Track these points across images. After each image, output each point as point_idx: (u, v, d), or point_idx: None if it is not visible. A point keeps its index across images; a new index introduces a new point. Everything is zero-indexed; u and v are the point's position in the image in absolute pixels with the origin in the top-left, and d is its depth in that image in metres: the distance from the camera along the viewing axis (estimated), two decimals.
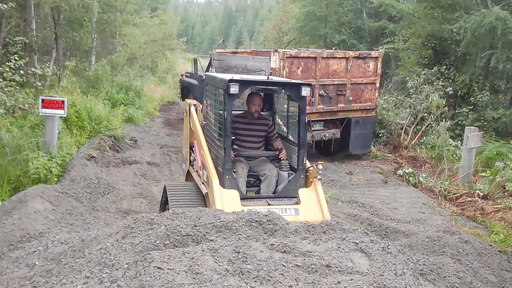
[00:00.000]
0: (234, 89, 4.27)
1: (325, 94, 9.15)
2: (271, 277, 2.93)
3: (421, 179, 8.41)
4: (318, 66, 8.93)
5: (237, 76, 4.51)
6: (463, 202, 7.25)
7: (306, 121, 4.72)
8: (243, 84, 4.38)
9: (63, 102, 7.24)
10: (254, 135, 5.04)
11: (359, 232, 3.76)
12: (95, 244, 3.60)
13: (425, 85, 11.45)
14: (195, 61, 12.76)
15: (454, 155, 9.22)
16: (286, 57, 8.52)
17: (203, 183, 4.92)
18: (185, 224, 3.52)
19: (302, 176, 4.62)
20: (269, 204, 4.43)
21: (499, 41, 9.73)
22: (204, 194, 4.85)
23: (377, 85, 10.01)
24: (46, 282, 3.34)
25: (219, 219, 3.59)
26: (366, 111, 9.94)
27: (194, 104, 5.77)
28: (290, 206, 4.44)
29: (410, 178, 8.49)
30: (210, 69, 10.71)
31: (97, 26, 15.91)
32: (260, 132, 5.08)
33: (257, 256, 3.13)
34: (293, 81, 4.83)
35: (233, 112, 4.62)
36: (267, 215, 3.72)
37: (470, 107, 11.01)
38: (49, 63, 11.61)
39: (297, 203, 4.53)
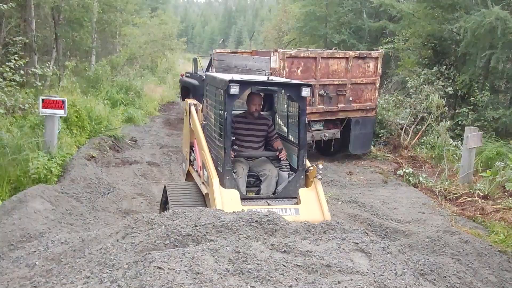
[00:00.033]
0: (234, 89, 4.27)
1: (325, 94, 9.15)
2: (272, 277, 2.93)
3: (421, 179, 8.41)
4: (318, 66, 8.93)
5: (237, 77, 4.51)
6: (463, 202, 7.25)
7: (306, 122, 4.72)
8: (243, 84, 4.38)
9: (63, 102, 7.24)
10: (254, 135, 5.04)
11: (359, 232, 3.76)
12: (95, 244, 3.60)
13: (425, 85, 11.45)
14: (195, 61, 12.75)
15: (454, 155, 9.22)
16: (286, 57, 8.52)
17: (203, 183, 4.92)
18: (185, 224, 3.52)
19: (302, 176, 4.62)
20: (269, 204, 4.43)
21: (499, 41, 9.72)
22: (204, 194, 4.84)
23: (377, 85, 10.01)
24: (46, 282, 3.34)
25: (219, 219, 3.59)
26: (366, 111, 9.94)
27: (194, 104, 5.77)
28: (290, 206, 4.45)
29: (410, 178, 8.49)
30: (210, 69, 10.71)
31: (97, 26, 15.90)
32: (260, 132, 5.08)
33: (257, 256, 3.13)
34: (293, 81, 4.83)
35: (233, 112, 4.61)
36: (267, 215, 3.72)
37: (470, 107, 11.01)
38: (49, 63, 11.59)
39: (297, 203, 4.53)
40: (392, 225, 6.05)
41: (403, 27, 13.79)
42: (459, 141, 9.52)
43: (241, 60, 9.32)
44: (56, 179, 6.84)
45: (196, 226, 3.50)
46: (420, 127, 10.94)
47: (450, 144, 9.59)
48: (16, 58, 8.50)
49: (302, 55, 8.90)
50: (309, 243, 3.44)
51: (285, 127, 5.35)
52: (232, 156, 4.57)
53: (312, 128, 9.26)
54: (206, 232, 3.45)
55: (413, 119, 11.11)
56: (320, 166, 4.53)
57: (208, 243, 3.32)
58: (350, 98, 9.52)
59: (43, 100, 7.15)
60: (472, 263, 4.47)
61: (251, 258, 3.10)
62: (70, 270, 3.35)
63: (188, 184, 5.45)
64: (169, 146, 10.43)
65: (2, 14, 9.89)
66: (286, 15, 27.14)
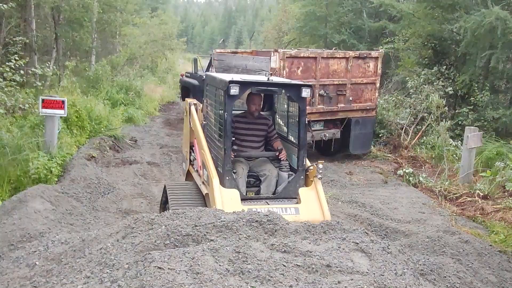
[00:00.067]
0: (234, 90, 4.27)
1: (325, 94, 9.15)
2: (272, 277, 2.93)
3: (421, 179, 8.41)
4: (318, 66, 8.93)
5: (237, 77, 4.50)
6: (463, 202, 7.25)
7: (306, 122, 4.72)
8: (243, 85, 4.37)
9: (63, 102, 7.24)
10: (254, 134, 5.04)
11: (359, 232, 3.76)
12: (96, 244, 3.60)
13: (425, 85, 11.46)
14: (195, 61, 12.76)
15: (454, 155, 9.22)
16: (286, 57, 8.52)
17: (203, 183, 4.92)
18: (185, 224, 3.52)
19: (302, 177, 4.62)
20: (268, 204, 4.43)
21: (499, 41, 9.73)
22: (204, 194, 4.84)
23: (377, 85, 10.01)
24: (46, 282, 3.34)
25: (219, 219, 3.59)
26: (366, 111, 9.94)
27: (194, 104, 5.77)
28: (290, 205, 4.45)
29: (410, 178, 8.49)
30: (210, 69, 10.71)
31: (97, 26, 15.90)
32: (260, 131, 5.08)
33: (257, 256, 3.13)
34: (293, 82, 4.83)
35: (233, 111, 4.61)
36: (267, 215, 3.72)
37: (470, 107, 11.01)
38: (49, 63, 11.59)
39: (297, 202, 4.53)
40: (392, 225, 6.05)
41: (403, 27, 13.79)
42: (459, 141, 9.52)
43: (241, 60, 9.32)
44: (56, 179, 6.84)
45: (196, 226, 3.50)
46: (420, 127, 10.94)
47: (450, 144, 9.59)
48: (16, 58, 8.50)
49: (302, 55, 8.90)
50: (309, 243, 3.44)
51: (285, 127, 5.35)
52: (232, 156, 4.57)
53: (312, 128, 9.26)
54: (206, 232, 3.45)
55: (413, 119, 11.11)
56: (320, 166, 4.53)
57: (208, 243, 3.32)
58: (350, 98, 9.52)
59: (43, 100, 7.15)
60: (472, 263, 4.47)
61: (251, 258, 3.10)
62: (70, 270, 3.35)
63: (188, 184, 5.45)
64: (169, 146, 10.44)
65: (2, 14, 9.89)
66: (286, 15, 27.14)
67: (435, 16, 12.11)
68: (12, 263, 3.84)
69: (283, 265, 3.07)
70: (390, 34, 15.75)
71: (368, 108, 9.91)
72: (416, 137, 10.65)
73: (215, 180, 4.41)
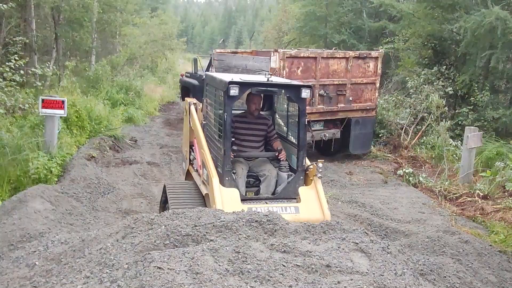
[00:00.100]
0: (234, 91, 4.27)
1: (325, 94, 9.15)
2: (271, 277, 2.93)
3: (421, 179, 8.41)
4: (318, 66, 8.93)
5: (237, 78, 4.50)
6: (463, 202, 7.25)
7: (306, 122, 4.72)
8: (243, 86, 4.37)
9: (63, 102, 7.24)
10: (254, 134, 5.04)
11: (359, 232, 3.76)
12: (95, 244, 3.60)
13: (425, 85, 11.45)
14: (195, 61, 12.76)
15: (454, 155, 9.22)
16: (286, 57, 8.52)
17: (203, 182, 4.92)
18: (185, 224, 3.52)
19: (302, 177, 4.63)
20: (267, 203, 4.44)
21: (499, 41, 9.72)
22: (204, 195, 4.84)
23: (377, 85, 10.01)
24: (46, 282, 3.35)
25: (219, 219, 3.59)
26: (366, 111, 9.94)
27: (194, 103, 5.77)
28: (290, 204, 4.45)
29: (410, 178, 8.49)
30: (210, 69, 10.71)
31: (97, 26, 15.90)
32: (259, 131, 5.08)
33: (257, 256, 3.13)
34: (293, 82, 4.83)
35: (232, 111, 4.61)
36: (267, 215, 3.72)
37: (470, 107, 11.01)
38: (49, 63, 11.59)
39: (297, 201, 4.53)
40: (392, 225, 6.05)
41: (403, 27, 13.79)
42: (459, 141, 9.52)
43: (241, 60, 9.34)
44: (56, 179, 6.84)
45: (196, 226, 3.50)
46: (420, 127, 10.94)
47: (450, 144, 9.59)
48: (16, 58, 8.49)
49: (302, 55, 8.90)
50: (309, 243, 3.44)
51: (285, 127, 5.35)
52: (232, 156, 4.57)
53: (312, 128, 9.26)
54: (206, 232, 3.45)
55: (413, 119, 11.11)
56: (320, 165, 4.53)
57: (208, 243, 3.32)
58: (350, 98, 9.52)
59: (43, 100, 7.15)
60: (472, 263, 4.47)
61: (251, 258, 3.10)
62: (70, 270, 3.35)
63: (187, 183, 5.45)
64: (169, 146, 10.44)
65: (2, 14, 9.88)
66: (286, 15, 27.14)
67: (435, 16, 12.11)
68: (12, 263, 3.84)
69: (282, 265, 3.07)
70: (390, 34, 15.75)
71: (368, 108, 9.91)
72: (416, 137, 10.65)
73: (215, 179, 4.41)
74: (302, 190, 4.57)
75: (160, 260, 2.96)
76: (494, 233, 6.00)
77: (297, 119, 4.72)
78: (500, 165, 7.80)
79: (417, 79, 11.89)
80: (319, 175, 4.56)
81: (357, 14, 17.48)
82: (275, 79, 4.72)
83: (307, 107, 5.04)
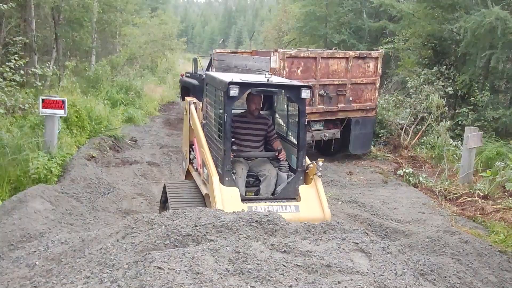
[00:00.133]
0: (234, 91, 4.26)
1: (325, 94, 9.15)
2: (272, 277, 2.93)
3: (421, 179, 8.41)
4: (318, 66, 8.93)
5: (237, 78, 4.50)
6: (463, 202, 7.25)
7: (306, 123, 4.72)
8: (243, 86, 4.37)
9: (63, 102, 7.24)
10: (253, 134, 5.03)
11: (359, 232, 3.76)
12: (95, 244, 3.60)
13: (425, 85, 11.46)
14: (195, 61, 12.76)
15: (454, 155, 9.22)
16: (286, 57, 8.52)
17: (203, 182, 4.92)
18: (185, 224, 3.52)
19: (301, 177, 4.63)
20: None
21: (499, 41, 9.73)
22: (204, 195, 4.84)
23: (377, 85, 10.01)
24: (46, 282, 3.34)
25: (219, 219, 3.59)
26: (366, 111, 9.94)
27: (194, 102, 5.76)
28: (290, 203, 4.45)
29: (410, 178, 8.49)
30: (210, 69, 10.71)
31: (97, 26, 15.90)
32: (259, 131, 5.08)
33: (257, 256, 3.13)
34: (293, 83, 4.82)
35: (232, 111, 4.61)
36: (267, 215, 3.72)
37: (470, 107, 11.01)
38: (49, 63, 11.59)
39: (297, 200, 4.53)
40: (392, 225, 6.05)
41: (403, 27, 13.79)
42: (459, 141, 9.52)
43: (241, 60, 9.34)
44: (56, 179, 6.84)
45: (196, 226, 3.50)
46: (420, 127, 10.94)
47: (450, 144, 9.59)
48: (16, 58, 8.49)
49: (302, 55, 8.90)
50: (309, 243, 3.44)
51: (285, 127, 5.35)
52: (232, 156, 4.57)
53: (312, 128, 9.26)
54: (206, 232, 3.45)
55: (413, 119, 11.11)
56: (320, 163, 4.53)
57: (208, 243, 3.32)
58: (350, 98, 9.52)
59: (43, 100, 7.15)
60: (472, 263, 4.47)
61: (251, 258, 3.10)
62: (70, 270, 3.35)
63: (187, 183, 5.45)
64: (169, 146, 10.44)
65: (2, 14, 9.88)
66: (286, 15, 27.14)
67: (435, 16, 12.11)
68: (12, 263, 3.84)
69: (283, 265, 3.06)
70: (390, 34, 15.75)
71: (368, 108, 9.91)
72: (416, 137, 10.65)
73: (215, 178, 4.42)
74: (302, 188, 4.57)
75: (161, 260, 2.96)
76: (494, 233, 6.00)
77: (297, 119, 4.72)
78: (500, 165, 7.80)
79: (417, 79, 11.89)
80: (319, 173, 4.56)
81: (357, 14, 17.49)
82: (275, 79, 4.72)
83: (307, 107, 5.04)
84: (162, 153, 9.82)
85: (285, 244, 3.34)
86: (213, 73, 5.66)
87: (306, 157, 4.74)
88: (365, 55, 9.68)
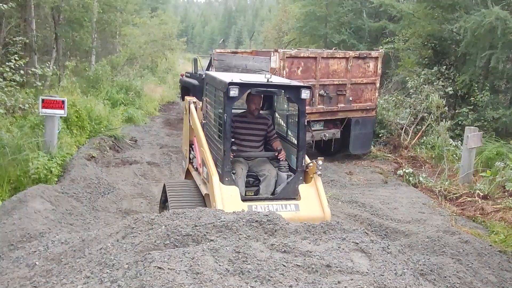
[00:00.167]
0: (234, 92, 4.26)
1: (325, 94, 9.15)
2: (272, 277, 2.93)
3: (421, 179, 8.41)
4: (318, 66, 8.93)
5: (237, 79, 4.50)
6: (463, 202, 7.25)
7: (306, 123, 4.72)
8: (243, 86, 4.37)
9: (63, 102, 7.24)
10: (253, 134, 5.04)
11: (359, 232, 3.76)
12: (95, 244, 3.60)
13: (425, 85, 11.46)
14: (195, 61, 12.77)
15: (454, 155, 9.22)
16: (286, 57, 8.52)
17: (203, 181, 4.92)
18: (185, 224, 3.52)
19: (301, 177, 4.63)
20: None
21: (499, 41, 9.73)
22: (204, 195, 4.84)
23: (377, 85, 10.01)
24: (46, 282, 3.34)
25: (219, 219, 3.59)
26: (366, 111, 9.94)
27: (193, 102, 5.76)
28: (290, 202, 4.45)
29: (410, 178, 8.49)
30: (210, 69, 10.72)
31: (97, 26, 15.90)
32: (259, 131, 5.08)
33: (257, 256, 3.13)
34: (293, 83, 4.82)
35: (232, 110, 4.61)
36: (267, 215, 3.72)
37: (470, 107, 11.01)
38: (49, 63, 11.59)
39: (297, 199, 4.53)
40: (392, 225, 6.05)
41: (403, 27, 13.79)
42: (459, 141, 9.52)
43: (241, 60, 9.37)
44: (56, 179, 6.84)
45: (196, 226, 3.50)
46: (420, 127, 10.94)
47: (450, 144, 9.59)
48: (16, 58, 8.49)
49: (302, 55, 8.90)
50: (309, 243, 3.44)
51: (285, 127, 5.34)
52: (231, 156, 4.57)
53: (312, 128, 9.26)
54: (206, 232, 3.45)
55: (413, 119, 11.12)
56: (320, 162, 4.53)
57: (208, 243, 3.32)
58: (350, 98, 9.52)
59: (43, 100, 7.15)
60: (472, 263, 4.47)
61: (251, 258, 3.10)
62: (70, 270, 3.35)
63: (187, 183, 5.45)
64: (169, 146, 10.44)
65: (2, 14, 9.88)
66: (286, 15, 27.14)
67: (435, 16, 12.11)
68: (12, 263, 3.84)
69: (283, 265, 3.06)
70: (390, 34, 15.75)
71: (368, 108, 9.91)
72: (416, 137, 10.65)
73: (215, 177, 4.42)
74: (302, 187, 4.57)
75: (161, 260, 2.96)
76: (494, 233, 6.00)
77: (296, 119, 4.72)
78: (500, 165, 7.81)
79: (417, 79, 11.89)
80: (319, 172, 4.56)
81: (357, 14, 17.49)
82: (275, 80, 4.72)
83: (307, 107, 5.04)
84: (162, 153, 9.82)
85: (285, 244, 3.34)
86: (213, 73, 5.65)
87: (306, 156, 4.74)
88: (365, 55, 9.68)
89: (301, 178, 4.62)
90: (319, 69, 8.96)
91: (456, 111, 11.54)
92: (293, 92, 4.54)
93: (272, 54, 8.58)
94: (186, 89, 13.39)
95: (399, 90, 13.57)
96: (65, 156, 7.48)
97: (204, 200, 4.86)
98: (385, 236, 5.76)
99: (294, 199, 4.56)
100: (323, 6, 18.20)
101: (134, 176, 7.96)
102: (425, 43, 12.46)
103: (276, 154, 4.89)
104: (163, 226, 3.49)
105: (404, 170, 8.79)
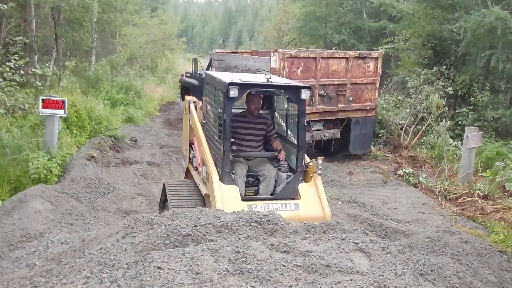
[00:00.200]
0: (233, 92, 4.26)
1: (325, 94, 9.15)
2: (271, 277, 2.93)
3: (421, 179, 8.41)
4: (318, 66, 8.93)
5: (237, 79, 4.50)
6: (463, 202, 7.25)
7: (306, 123, 4.72)
8: (242, 87, 4.37)
9: (63, 102, 7.24)
10: (253, 134, 5.03)
11: (359, 232, 3.76)
12: (95, 244, 3.60)
13: (425, 85, 11.46)
14: (195, 61, 12.77)
15: (454, 155, 9.22)
16: (286, 57, 8.52)
17: (203, 181, 4.92)
18: (185, 224, 3.52)
19: (301, 178, 4.63)
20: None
21: (499, 41, 9.73)
22: (203, 195, 4.84)
23: (377, 85, 10.01)
24: (46, 282, 3.35)
25: (219, 219, 3.59)
26: (366, 111, 9.94)
27: (193, 101, 5.76)
28: (290, 201, 4.45)
29: (410, 178, 8.49)
30: (210, 69, 10.71)
31: (97, 26, 15.90)
32: (259, 131, 5.08)
33: (257, 256, 3.13)
34: (293, 83, 4.82)
35: (232, 110, 4.61)
36: (267, 215, 3.72)
37: (470, 107, 11.01)
38: (49, 63, 11.59)
39: (297, 198, 4.53)
40: (392, 225, 6.05)
41: (403, 27, 13.79)
42: (459, 141, 9.52)
43: (241, 60, 9.36)
44: (56, 179, 6.84)
45: (196, 226, 3.50)
46: (420, 127, 10.94)
47: (450, 144, 9.59)
48: (16, 58, 8.49)
49: (302, 55, 8.91)
50: (309, 243, 3.44)
51: (285, 127, 5.34)
52: (231, 156, 4.57)
53: (312, 128, 9.26)
54: (206, 232, 3.45)
55: (413, 119, 11.12)
56: (320, 161, 4.53)
57: (208, 243, 3.32)
58: (350, 98, 9.53)
59: (43, 100, 7.15)
60: (472, 263, 4.47)
61: (251, 258, 3.10)
62: (70, 270, 3.35)
63: (187, 182, 5.45)
64: (169, 146, 10.44)
65: (2, 14, 9.89)
66: (286, 15, 27.15)
67: (435, 16, 12.11)
68: (12, 263, 3.84)
69: (282, 265, 3.06)
70: (390, 34, 15.75)
71: (368, 108, 9.91)
72: (416, 137, 10.65)
73: (215, 176, 4.42)
74: (302, 187, 4.57)
75: (160, 260, 2.96)
76: (494, 233, 6.00)
77: (296, 119, 4.72)
78: (500, 165, 7.81)
79: (417, 79, 11.89)
80: (319, 171, 4.56)
81: (357, 14, 17.49)
82: (275, 80, 4.71)
83: (307, 107, 5.03)
84: (162, 153, 9.82)
85: (285, 244, 3.34)
86: (213, 73, 5.65)
87: (306, 156, 4.74)
88: (365, 55, 9.68)
89: (300, 178, 4.62)
90: (319, 69, 8.96)
91: (456, 111, 11.54)
92: (293, 92, 4.53)
93: (272, 54, 8.59)
94: (186, 89, 13.39)
95: (399, 90, 13.57)
96: (65, 156, 7.48)
97: (204, 200, 4.86)
98: (385, 236, 5.76)
99: (294, 199, 4.56)
100: (323, 6, 18.20)
101: (134, 176, 7.96)
102: (425, 43, 12.45)
103: (276, 154, 4.89)
104: (163, 226, 3.49)
105: (404, 170, 8.79)
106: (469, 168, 7.93)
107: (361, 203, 6.90)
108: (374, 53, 9.85)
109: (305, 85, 4.88)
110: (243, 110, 5.23)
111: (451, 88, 11.31)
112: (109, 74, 14.75)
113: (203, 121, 5.17)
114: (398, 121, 11.15)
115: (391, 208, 6.85)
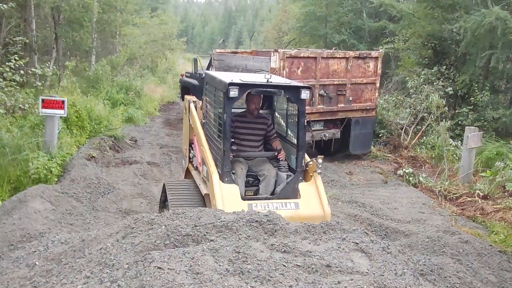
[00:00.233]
0: (233, 92, 4.26)
1: (325, 94, 9.15)
2: (272, 277, 2.93)
3: (421, 179, 8.41)
4: (318, 66, 8.93)
5: (236, 79, 4.50)
6: (463, 202, 7.25)
7: (306, 123, 4.72)
8: (242, 87, 4.37)
9: (63, 102, 7.24)
10: (253, 134, 5.04)
11: (359, 232, 3.76)
12: (95, 244, 3.60)
13: (425, 85, 11.46)
14: (195, 61, 12.77)
15: (454, 155, 9.22)
16: (286, 57, 8.52)
17: (203, 180, 4.92)
18: (185, 224, 3.52)
19: (301, 177, 4.63)
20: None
21: (499, 41, 9.73)
22: (203, 195, 4.84)
23: (377, 85, 10.01)
24: (46, 282, 3.35)
25: (219, 219, 3.59)
26: (366, 111, 9.94)
27: (193, 101, 5.76)
28: (290, 200, 4.45)
29: (410, 178, 8.49)
30: (210, 69, 10.72)
31: (97, 26, 15.91)
32: (259, 131, 5.08)
33: (257, 256, 3.13)
34: (293, 83, 4.82)
35: (232, 110, 4.61)
36: (267, 215, 3.72)
37: (470, 107, 11.01)
38: (49, 63, 11.59)
39: (297, 197, 4.53)
40: (392, 225, 6.05)
41: (403, 27, 13.79)
42: (459, 141, 9.52)
43: (241, 60, 9.37)
44: (56, 179, 6.84)
45: (196, 226, 3.50)
46: (420, 127, 10.94)
47: (450, 144, 9.59)
48: (16, 58, 8.49)
49: (302, 55, 8.90)
50: (309, 243, 3.44)
51: (285, 127, 5.34)
52: (231, 156, 4.57)
53: (312, 128, 9.26)
54: (206, 232, 3.45)
55: (413, 119, 11.12)
56: (320, 161, 4.53)
57: (208, 243, 3.32)
58: (350, 98, 9.52)
59: (43, 100, 7.15)
60: (472, 263, 4.47)
61: (251, 258, 3.10)
62: (70, 270, 3.35)
63: (187, 182, 5.45)
64: (169, 146, 10.44)
65: (2, 14, 9.89)
66: (286, 15, 27.15)
67: (435, 16, 12.11)
68: (12, 263, 3.84)
69: (283, 265, 3.06)
70: (390, 34, 15.75)
71: (368, 108, 9.91)
72: (416, 137, 10.65)
73: (215, 176, 4.42)
74: (302, 186, 4.57)
75: (160, 260, 2.96)
76: (494, 233, 6.00)
77: (296, 119, 4.72)
78: (500, 165, 7.81)
79: (417, 79, 11.89)
80: (319, 171, 4.56)
81: (357, 14, 17.49)
82: (275, 80, 4.71)
83: (307, 107, 5.03)
84: (162, 153, 9.82)
85: (285, 244, 3.34)
86: (213, 72, 5.65)
87: (306, 156, 4.74)
88: (365, 55, 9.68)
89: (300, 178, 4.62)
90: (319, 69, 8.96)
91: (456, 111, 11.55)
92: (293, 92, 4.53)
93: (272, 54, 8.58)
94: (186, 89, 13.39)
95: (399, 90, 13.57)
96: (65, 156, 7.48)
97: (204, 200, 4.86)
98: (385, 236, 5.76)
99: (293, 199, 4.56)
100: (323, 6, 18.20)
101: (134, 176, 7.96)
102: (425, 43, 12.46)
103: (276, 154, 4.89)
104: (163, 226, 3.49)
105: (404, 170, 8.79)
106: (469, 168, 7.93)
107: (361, 203, 6.90)
108: (374, 53, 9.85)
109: (305, 85, 4.88)
110: (243, 110, 5.23)
111: (451, 88, 11.32)
112: (109, 74, 14.75)
113: (203, 120, 5.17)
114: (398, 121, 11.15)
115: (391, 208, 6.85)
